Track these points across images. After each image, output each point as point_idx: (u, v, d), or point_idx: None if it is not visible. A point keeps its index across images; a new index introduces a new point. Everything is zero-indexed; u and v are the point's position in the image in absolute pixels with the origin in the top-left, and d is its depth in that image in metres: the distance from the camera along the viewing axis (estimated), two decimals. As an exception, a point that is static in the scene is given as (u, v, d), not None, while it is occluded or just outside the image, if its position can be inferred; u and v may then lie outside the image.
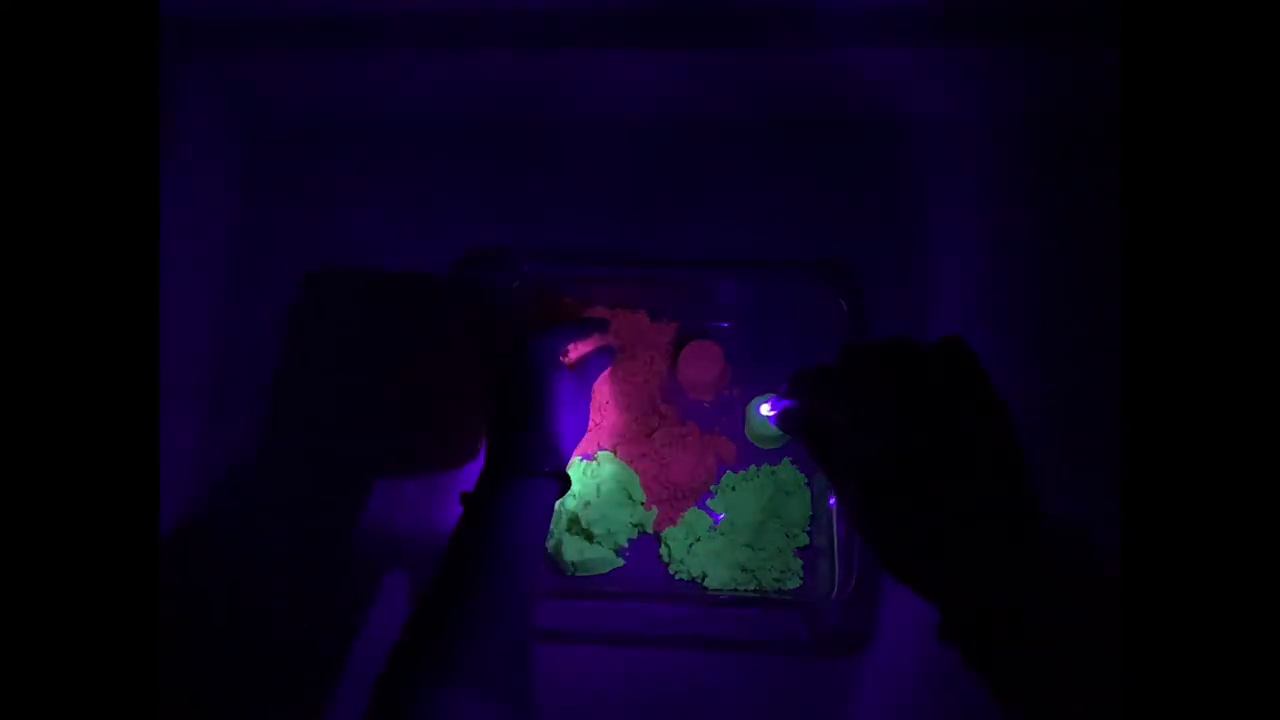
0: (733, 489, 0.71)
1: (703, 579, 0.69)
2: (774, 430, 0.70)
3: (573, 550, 0.68)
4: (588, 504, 0.69)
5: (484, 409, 0.64)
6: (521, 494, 0.58)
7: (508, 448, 0.60)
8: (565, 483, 0.61)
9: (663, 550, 0.71)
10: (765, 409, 0.52)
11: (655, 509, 0.71)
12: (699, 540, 0.70)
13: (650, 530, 0.71)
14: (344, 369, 0.75)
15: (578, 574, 0.70)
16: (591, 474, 0.71)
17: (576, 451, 0.71)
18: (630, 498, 0.71)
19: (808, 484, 0.71)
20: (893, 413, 0.40)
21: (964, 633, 0.38)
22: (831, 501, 0.69)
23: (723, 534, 0.70)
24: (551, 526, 0.64)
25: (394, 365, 0.74)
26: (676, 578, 0.70)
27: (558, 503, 0.61)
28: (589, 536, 0.69)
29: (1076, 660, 0.35)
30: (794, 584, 0.69)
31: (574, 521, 0.70)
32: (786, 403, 0.52)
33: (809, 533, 0.70)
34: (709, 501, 0.72)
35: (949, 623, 0.38)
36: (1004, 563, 0.37)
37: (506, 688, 0.49)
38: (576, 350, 0.72)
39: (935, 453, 0.38)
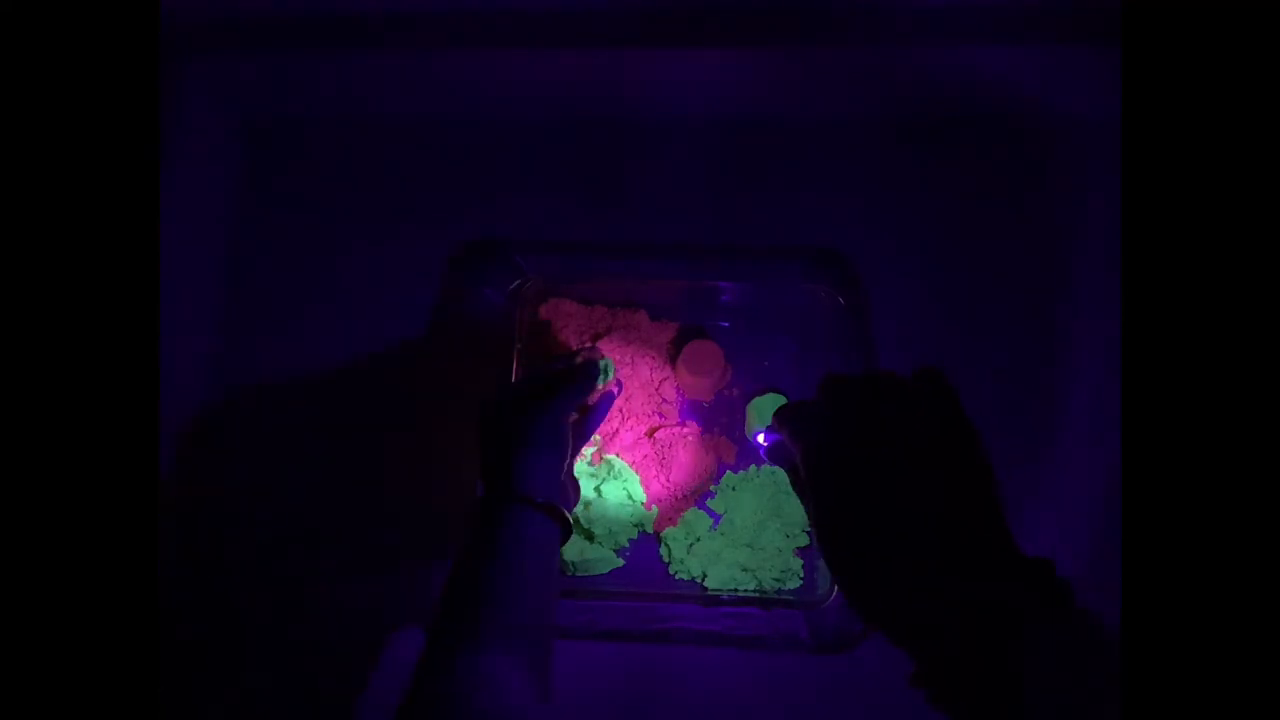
0: (733, 489, 0.71)
1: (703, 579, 0.69)
2: (774, 430, 0.70)
3: (573, 550, 0.68)
4: (588, 504, 0.69)
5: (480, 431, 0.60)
6: (518, 526, 0.54)
7: (504, 473, 0.56)
8: (566, 528, 0.57)
9: (663, 550, 0.71)
10: (760, 439, 0.52)
11: (655, 509, 0.71)
12: (699, 540, 0.70)
13: (650, 530, 0.71)
14: (343, 371, 0.75)
15: (578, 574, 0.70)
16: (592, 474, 0.71)
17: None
18: (630, 498, 0.71)
19: (808, 484, 0.71)
20: (864, 448, 0.39)
21: (931, 680, 0.36)
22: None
23: (723, 534, 0.70)
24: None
25: (394, 368, 0.74)
26: (676, 578, 0.70)
27: None
28: (589, 536, 0.69)
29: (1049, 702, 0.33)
30: (794, 584, 0.69)
31: (574, 521, 0.69)
32: (776, 436, 0.51)
33: (809, 533, 0.70)
34: (709, 501, 0.72)
35: (919, 669, 0.37)
36: (973, 607, 0.35)
37: (531, 658, 0.50)
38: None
39: (906, 491, 0.38)
